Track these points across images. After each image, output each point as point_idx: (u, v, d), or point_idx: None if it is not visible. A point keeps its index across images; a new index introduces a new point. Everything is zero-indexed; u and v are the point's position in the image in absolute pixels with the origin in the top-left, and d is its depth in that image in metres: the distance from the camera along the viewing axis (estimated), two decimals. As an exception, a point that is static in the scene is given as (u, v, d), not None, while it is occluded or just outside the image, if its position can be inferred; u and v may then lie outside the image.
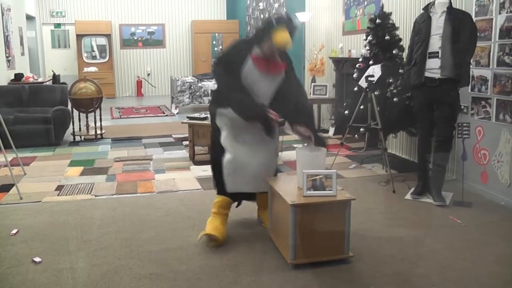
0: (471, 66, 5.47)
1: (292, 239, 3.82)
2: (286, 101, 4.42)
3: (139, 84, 17.60)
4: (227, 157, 4.38)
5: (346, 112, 6.94)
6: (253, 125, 4.29)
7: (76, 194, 5.94)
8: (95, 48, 17.51)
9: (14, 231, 4.69)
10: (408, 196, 5.62)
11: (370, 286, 3.63)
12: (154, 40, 17.74)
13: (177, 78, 13.20)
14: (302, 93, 4.64)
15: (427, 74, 5.32)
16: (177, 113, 12.76)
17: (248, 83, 4.28)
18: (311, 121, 4.65)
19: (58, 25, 17.74)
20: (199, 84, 12.86)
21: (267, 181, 4.34)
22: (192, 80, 12.99)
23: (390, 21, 6.84)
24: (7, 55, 12.37)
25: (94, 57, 17.47)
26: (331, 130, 9.49)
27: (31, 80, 12.68)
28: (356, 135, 7.15)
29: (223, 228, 4.41)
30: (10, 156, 6.46)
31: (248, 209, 5.00)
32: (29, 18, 15.54)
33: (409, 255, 4.11)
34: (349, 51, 9.01)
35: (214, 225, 4.39)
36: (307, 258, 3.88)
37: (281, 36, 4.16)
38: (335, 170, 4.05)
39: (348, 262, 3.95)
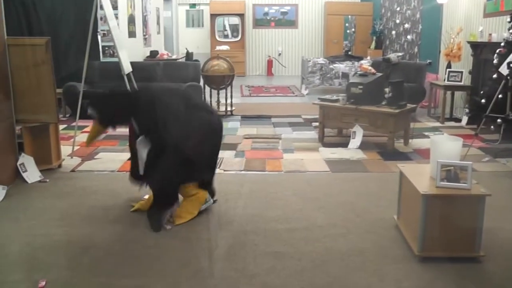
0: None
1: (421, 231, 3.71)
2: None
3: (269, 63, 17.77)
4: None
5: (483, 101, 6.64)
6: None
7: (206, 168, 6.09)
8: (227, 27, 17.86)
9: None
10: (546, 195, 5.29)
11: None
12: (286, 21, 17.82)
13: (309, 59, 13.19)
14: None
15: None
16: (307, 94, 12.77)
17: None
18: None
19: (193, 5, 18.25)
20: (331, 66, 12.77)
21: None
22: (323, 62, 12.93)
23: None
24: (144, 33, 12.97)
25: (226, 36, 17.84)
26: (464, 119, 9.10)
27: (165, 57, 13.20)
28: (491, 126, 6.81)
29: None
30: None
31: (377, 196, 4.93)
32: (167, -1, 16.15)
33: (547, 261, 3.85)
34: (490, 34, 8.56)
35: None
36: (435, 252, 3.76)
37: None
38: (471, 162, 3.86)
39: (478, 262, 3.76)
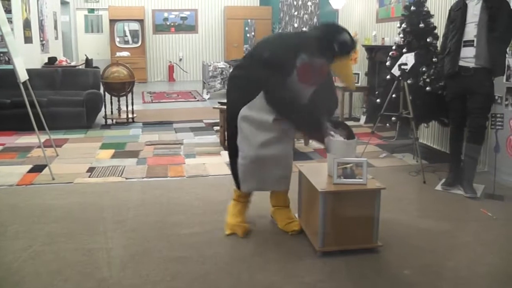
0: (507, 56, 5.37)
1: (321, 227, 3.82)
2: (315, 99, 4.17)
3: (171, 69, 17.68)
4: (243, 160, 4.17)
5: (378, 100, 6.89)
6: (273, 126, 4.05)
7: (107, 176, 6.01)
8: (127, 33, 17.62)
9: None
10: (439, 187, 5.56)
11: (404, 271, 3.66)
12: (186, 26, 17.78)
13: (209, 64, 13.23)
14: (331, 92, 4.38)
15: (461, 63, 5.24)
16: (208, 98, 12.80)
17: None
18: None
19: (91, 10, 17.89)
20: (231, 70, 12.84)
21: (301, 171, 4.32)
22: (224, 66, 13.02)
23: (425, 9, 6.75)
24: (41, 39, 12.55)
25: (126, 42, 17.59)
26: (363, 119, 9.45)
27: (64, 63, 12.87)
28: (387, 124, 7.08)
29: (243, 215, 4.40)
30: (43, 138, 6.56)
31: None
32: (64, 3, 15.73)
33: (438, 247, 4.08)
34: (383, 38, 8.92)
35: (234, 212, 4.41)
36: (335, 246, 3.87)
37: (346, 72, 3.96)
38: (365, 159, 4.02)
39: (376, 252, 3.94)
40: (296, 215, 4.48)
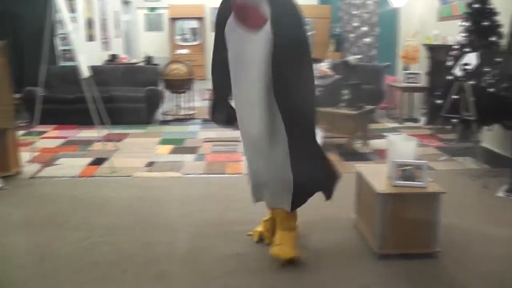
0: None
1: (379, 229, 3.77)
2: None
3: (229, 67, 17.72)
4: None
5: (439, 101, 6.75)
6: (261, 131, 3.67)
7: (166, 171, 6.09)
8: (187, 31, 17.81)
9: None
10: (500, 193, 5.39)
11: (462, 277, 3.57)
12: (245, 23, 17.79)
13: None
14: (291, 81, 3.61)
15: (528, 63, 5.08)
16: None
17: (231, 46, 3.69)
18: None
19: (152, 9, 18.15)
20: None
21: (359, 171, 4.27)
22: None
23: (490, 6, 6.56)
24: (103, 37, 12.87)
25: (185, 40, 17.77)
26: (422, 120, 9.27)
27: (125, 61, 13.12)
28: (448, 126, 6.94)
29: (266, 225, 4.15)
30: (104, 132, 6.69)
31: (337, 196, 4.97)
32: (125, 2, 16.04)
33: (500, 255, 3.95)
34: (444, 37, 8.73)
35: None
36: (393, 249, 3.82)
37: None
38: (425, 161, 3.94)
39: (435, 257, 3.84)
40: (354, 216, 4.43)
